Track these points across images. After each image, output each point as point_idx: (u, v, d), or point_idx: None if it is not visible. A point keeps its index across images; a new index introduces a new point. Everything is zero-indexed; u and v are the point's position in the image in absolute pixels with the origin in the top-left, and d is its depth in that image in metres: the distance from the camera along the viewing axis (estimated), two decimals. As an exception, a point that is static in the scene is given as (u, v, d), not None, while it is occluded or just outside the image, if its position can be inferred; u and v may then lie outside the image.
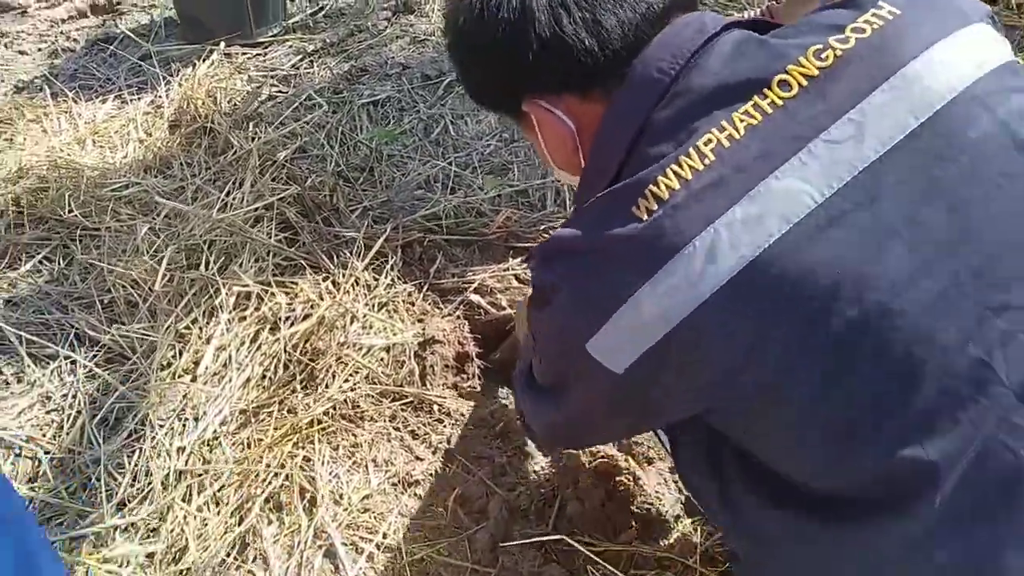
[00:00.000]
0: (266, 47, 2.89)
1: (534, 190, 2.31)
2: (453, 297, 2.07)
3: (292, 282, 2.02)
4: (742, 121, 0.86)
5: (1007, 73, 0.89)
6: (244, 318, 1.97)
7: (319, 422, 1.81)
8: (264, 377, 1.90)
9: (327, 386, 1.85)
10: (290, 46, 2.89)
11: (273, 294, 1.98)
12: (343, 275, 2.04)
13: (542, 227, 2.19)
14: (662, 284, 0.83)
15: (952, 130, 0.84)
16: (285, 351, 1.90)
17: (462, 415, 1.86)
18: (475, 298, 2.06)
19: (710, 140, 0.85)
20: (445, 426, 1.84)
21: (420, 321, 2.01)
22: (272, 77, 2.72)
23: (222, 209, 2.17)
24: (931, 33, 0.88)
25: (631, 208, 0.86)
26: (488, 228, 2.18)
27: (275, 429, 1.81)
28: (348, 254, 2.08)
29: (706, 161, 0.84)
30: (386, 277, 2.04)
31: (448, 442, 1.81)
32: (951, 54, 0.87)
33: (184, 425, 1.83)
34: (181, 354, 1.93)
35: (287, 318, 1.95)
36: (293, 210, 2.20)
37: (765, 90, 0.87)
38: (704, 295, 0.82)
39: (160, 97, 2.68)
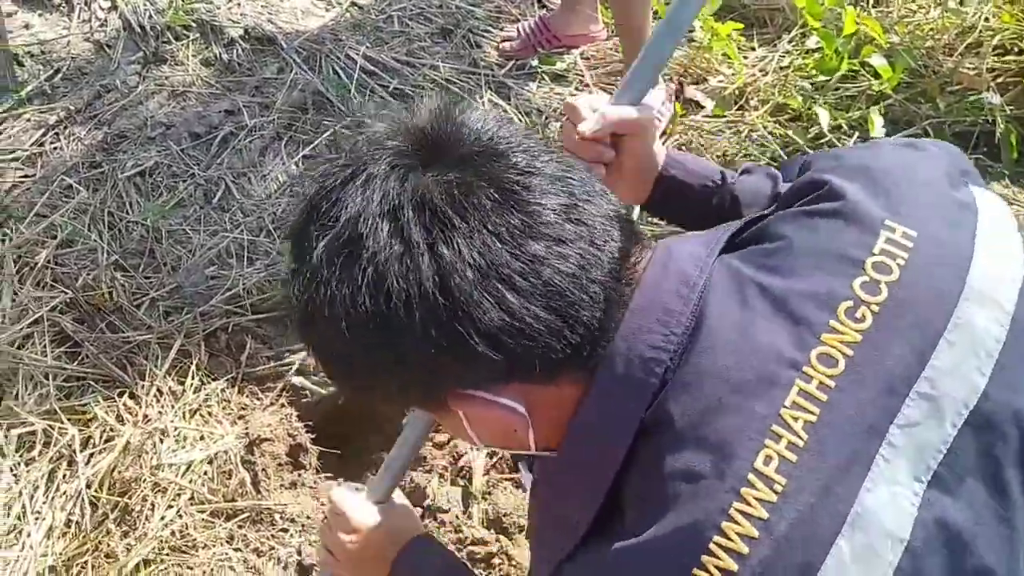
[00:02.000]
0: (0, 125, 2.53)
1: (338, 247, 2.16)
2: (273, 384, 1.89)
3: (82, 406, 1.77)
4: (796, 420, 0.67)
5: None
6: (32, 460, 1.70)
7: (147, 564, 1.59)
8: (70, 524, 1.65)
9: (147, 519, 1.63)
10: (28, 119, 2.54)
11: (63, 426, 1.72)
12: (141, 386, 1.80)
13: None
14: None
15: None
16: (89, 489, 1.66)
17: (308, 518, 1.70)
18: (297, 380, 1.89)
19: (770, 457, 0.66)
20: (291, 535, 1.67)
21: (240, 419, 1.82)
22: (13, 161, 2.38)
23: (-20, 333, 1.87)
24: (957, 251, 0.74)
25: (692, 569, 0.64)
26: (297, 300, 2.00)
27: (95, 584, 1.58)
28: (144, 360, 1.85)
29: (777, 488, 0.65)
30: (192, 379, 1.82)
31: (299, 552, 1.65)
32: (987, 272, 0.74)
33: (-20, 604, 1.56)
34: (-40, 517, 1.64)
35: (85, 450, 1.70)
36: (68, 318, 1.93)
37: (807, 369, 0.68)
38: None
39: None
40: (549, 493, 0.80)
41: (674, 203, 1.12)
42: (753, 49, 2.55)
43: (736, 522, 0.64)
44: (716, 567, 0.63)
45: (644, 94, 1.08)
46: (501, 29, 2.81)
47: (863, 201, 0.76)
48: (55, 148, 2.44)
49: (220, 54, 2.73)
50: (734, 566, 0.63)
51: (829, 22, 2.45)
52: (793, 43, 2.51)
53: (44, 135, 2.49)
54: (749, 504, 0.65)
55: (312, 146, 2.42)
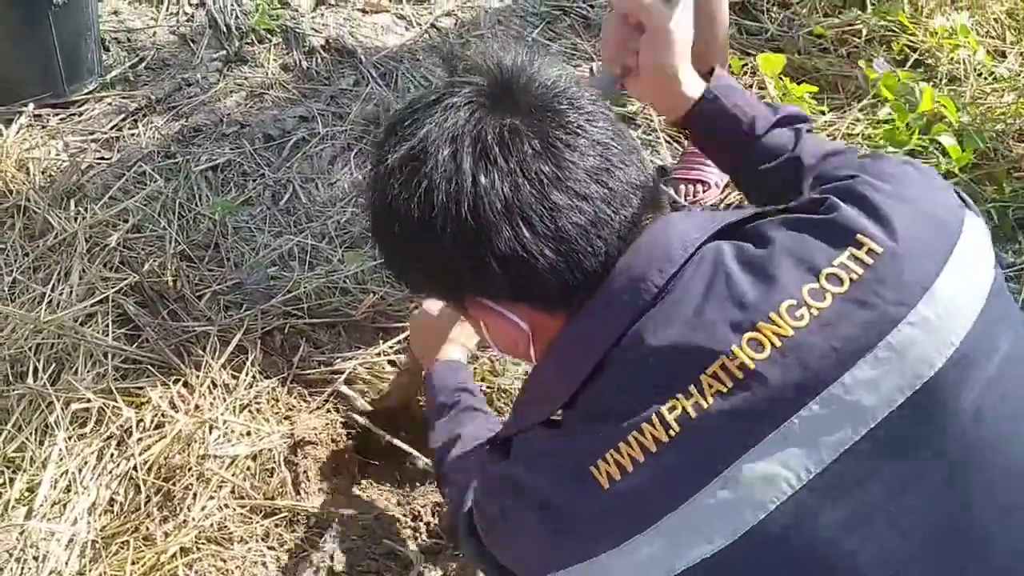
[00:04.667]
0: (81, 106, 2.60)
1: (397, 262, 2.19)
2: (321, 389, 1.92)
3: (137, 388, 1.81)
4: (711, 387, 0.78)
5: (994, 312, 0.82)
6: (84, 436, 1.74)
7: (184, 552, 1.62)
8: (113, 503, 1.68)
9: (188, 508, 1.66)
10: (109, 104, 2.61)
11: (117, 406, 1.76)
12: (196, 376, 1.84)
13: (412, 306, 2.07)
14: (634, 554, 0.78)
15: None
16: (136, 471, 1.69)
17: (342, 525, 1.72)
18: (345, 390, 1.92)
19: (674, 408, 0.79)
20: (325, 540, 1.69)
21: (287, 420, 1.85)
22: (92, 142, 2.45)
23: (47, 307, 1.92)
24: (918, 275, 0.81)
25: (588, 467, 0.80)
26: (355, 309, 2.04)
27: (133, 564, 1.61)
28: (201, 351, 1.89)
29: (671, 432, 0.78)
30: (247, 375, 1.86)
31: (331, 558, 1.67)
32: (945, 301, 0.80)
33: (23, 569, 1.59)
34: (12, 483, 1.68)
35: (136, 432, 1.74)
36: (131, 302, 1.97)
37: (735, 347, 0.79)
38: (676, 570, 0.78)
39: (-42, 169, 2.35)
40: (528, 387, 0.96)
41: (706, 133, 1.20)
42: (823, 113, 2.57)
43: (630, 445, 0.79)
44: (606, 473, 0.79)
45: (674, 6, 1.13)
46: (576, 67, 2.86)
47: (848, 213, 0.84)
48: (133, 134, 2.51)
49: (300, 61, 2.79)
50: (617, 475, 0.79)
51: (902, 95, 2.47)
52: (864, 111, 2.53)
53: (123, 120, 2.56)
54: (644, 436, 0.78)
55: (380, 160, 2.46)
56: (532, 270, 0.83)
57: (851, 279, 0.80)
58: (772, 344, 0.78)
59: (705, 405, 0.78)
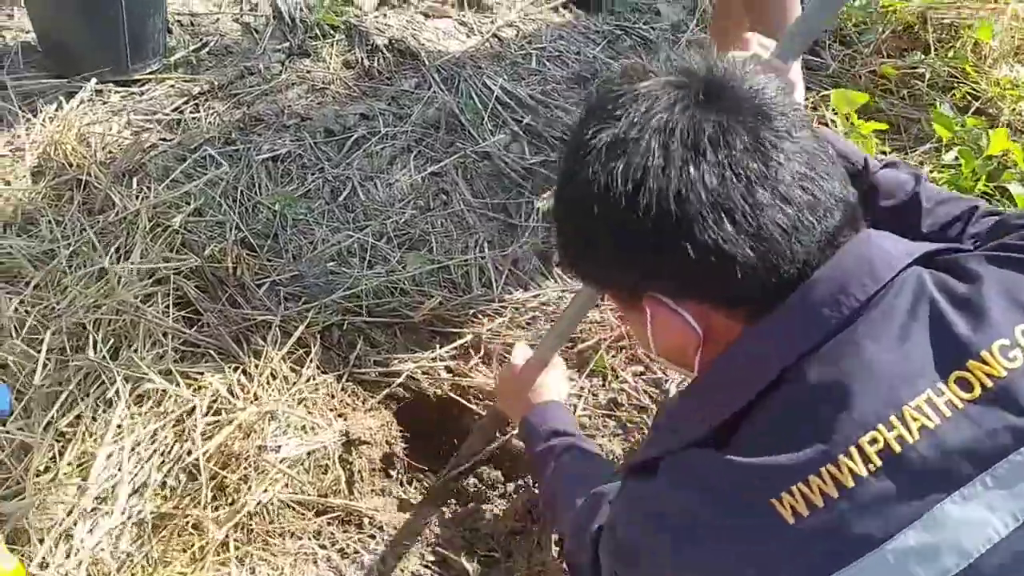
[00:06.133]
0: (143, 85, 2.59)
1: (456, 267, 2.18)
2: (376, 390, 1.90)
3: (197, 373, 1.79)
4: (915, 421, 0.75)
5: None
6: (142, 414, 1.71)
7: (234, 543, 1.60)
8: (164, 486, 1.66)
9: (242, 498, 1.63)
10: (172, 86, 2.60)
11: (176, 387, 1.74)
12: (255, 365, 1.82)
13: (470, 311, 2.05)
14: None
15: None
16: (189, 455, 1.67)
17: (395, 528, 1.69)
18: (400, 392, 1.90)
19: (875, 440, 0.75)
20: (378, 542, 1.67)
21: (341, 417, 1.83)
22: (156, 123, 2.44)
23: (108, 282, 1.90)
24: None
25: (769, 499, 0.75)
26: (414, 311, 2.02)
27: (182, 551, 1.58)
28: (261, 340, 1.87)
29: (871, 467, 0.74)
30: (307, 368, 1.84)
31: (383, 561, 1.64)
32: None
33: (69, 543, 1.56)
34: (62, 455, 1.66)
35: (195, 416, 1.71)
36: (192, 285, 1.95)
37: (941, 385, 0.76)
38: None
39: (19, 138, 2.34)
40: (687, 400, 0.93)
41: None
42: (885, 153, 2.56)
43: (822, 479, 0.74)
44: (791, 506, 0.75)
45: (793, 58, 1.24)
46: (636, 86, 2.85)
47: None
48: (194, 118, 2.50)
49: (362, 58, 2.79)
50: (803, 509, 0.74)
51: (967, 140, 2.46)
52: (927, 154, 2.52)
53: (185, 103, 2.55)
54: (841, 471, 0.74)
55: (440, 164, 2.45)
56: (728, 266, 0.80)
57: None
58: (983, 384, 0.75)
59: (910, 440, 0.74)
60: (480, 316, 2.05)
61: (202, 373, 1.78)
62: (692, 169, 0.80)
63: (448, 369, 1.95)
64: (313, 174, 2.39)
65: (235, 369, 1.81)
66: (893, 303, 0.81)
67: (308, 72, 2.74)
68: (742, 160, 0.80)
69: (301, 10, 2.92)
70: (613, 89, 0.87)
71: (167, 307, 1.89)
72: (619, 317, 2.02)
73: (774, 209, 0.80)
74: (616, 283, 0.93)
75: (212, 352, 1.84)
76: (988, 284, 0.81)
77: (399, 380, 1.90)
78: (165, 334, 1.84)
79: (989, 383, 0.75)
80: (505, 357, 1.91)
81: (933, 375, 0.76)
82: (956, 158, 2.41)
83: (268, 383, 1.79)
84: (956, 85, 2.79)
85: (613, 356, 1.99)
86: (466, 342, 1.99)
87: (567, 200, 0.91)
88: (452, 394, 1.90)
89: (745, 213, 0.79)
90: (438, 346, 1.99)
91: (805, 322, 0.81)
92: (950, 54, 2.84)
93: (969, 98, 2.75)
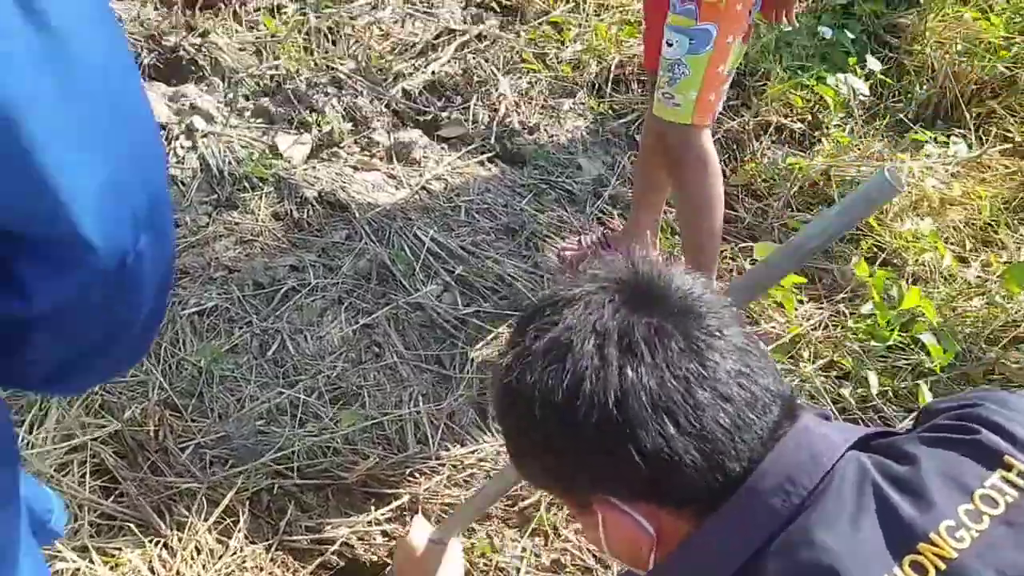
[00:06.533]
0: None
1: (391, 423, 2.13)
2: (307, 561, 1.80)
3: (114, 548, 1.67)
4: None
5: None
6: (51, 599, 1.58)
7: None
8: None
9: None
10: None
11: (91, 564, 1.61)
12: (178, 538, 1.71)
13: (406, 470, 1.99)
14: None
15: None
16: (104, 643, 1.53)
17: None
18: (334, 560, 1.81)
19: None
20: None
21: (271, 591, 1.72)
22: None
23: (23, 449, 1.78)
24: None
25: None
26: (347, 471, 1.95)
27: None
28: (184, 511, 1.76)
29: None
30: (234, 540, 1.73)
31: None
32: None
33: None
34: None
35: (108, 598, 1.58)
36: (110, 451, 1.85)
37: (896, 570, 0.77)
38: None
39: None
40: None
41: None
42: (801, 302, 2.67)
43: None
44: None
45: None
46: (563, 238, 2.92)
47: (991, 438, 0.85)
48: (117, 271, 2.43)
49: (291, 211, 2.79)
50: None
51: (882, 293, 2.58)
52: (845, 304, 2.63)
53: (107, 256, 2.48)
54: None
55: (372, 316, 2.43)
56: (675, 469, 0.81)
57: (1006, 501, 0.79)
58: (936, 568, 0.76)
59: None
60: (416, 475, 1.99)
61: (120, 548, 1.66)
62: (630, 371, 0.81)
63: (384, 533, 1.87)
64: (241, 328, 2.33)
65: (156, 543, 1.70)
66: (840, 488, 0.81)
67: (236, 224, 2.72)
68: (679, 361, 0.82)
69: (229, 163, 2.93)
70: (548, 295, 0.90)
71: (83, 476, 1.78)
72: (570, 516, 1.97)
73: (715, 408, 0.81)
74: (561, 487, 0.92)
75: (131, 524, 1.72)
76: (926, 465, 0.83)
77: (333, 547, 1.81)
78: (81, 506, 1.72)
79: (942, 565, 0.76)
80: (443, 517, 1.85)
81: (888, 559, 0.77)
82: (871, 309, 2.52)
83: (192, 558, 1.68)
84: (862, 237, 2.95)
85: (555, 514, 1.94)
86: (403, 503, 1.93)
87: (510, 403, 0.91)
88: (388, 560, 1.82)
89: (687, 415, 0.80)
90: (373, 508, 1.91)
91: (757, 515, 0.81)
92: (855, 208, 3.01)
93: (876, 249, 2.90)
